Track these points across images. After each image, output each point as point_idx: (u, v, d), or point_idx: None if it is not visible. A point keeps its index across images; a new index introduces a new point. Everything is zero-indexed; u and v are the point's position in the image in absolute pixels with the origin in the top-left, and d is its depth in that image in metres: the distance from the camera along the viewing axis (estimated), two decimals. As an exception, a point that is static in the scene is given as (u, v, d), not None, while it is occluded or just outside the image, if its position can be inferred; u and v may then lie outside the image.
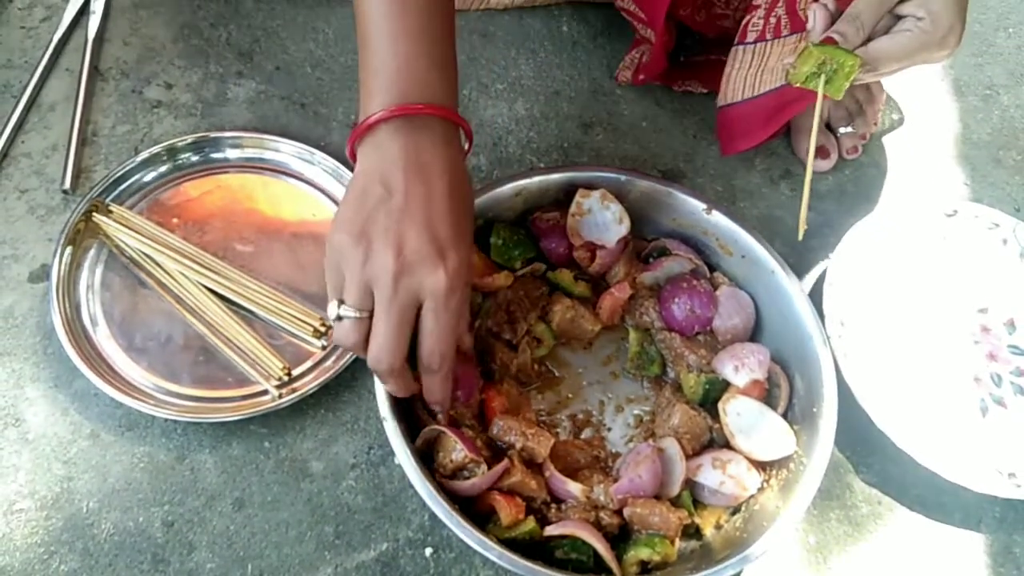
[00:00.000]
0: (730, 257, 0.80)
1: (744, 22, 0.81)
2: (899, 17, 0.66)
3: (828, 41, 0.64)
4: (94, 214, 0.78)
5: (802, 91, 0.82)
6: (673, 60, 0.95)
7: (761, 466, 0.71)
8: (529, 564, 0.62)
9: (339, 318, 0.59)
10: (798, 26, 0.80)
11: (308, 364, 0.75)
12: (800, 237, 0.69)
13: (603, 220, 0.78)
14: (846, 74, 0.63)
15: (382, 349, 0.59)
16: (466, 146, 0.65)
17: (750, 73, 0.84)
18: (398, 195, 0.59)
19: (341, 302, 0.59)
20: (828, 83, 0.65)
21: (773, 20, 0.80)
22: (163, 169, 0.83)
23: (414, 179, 0.59)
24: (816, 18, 0.66)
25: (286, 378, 0.74)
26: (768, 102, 0.84)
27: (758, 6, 0.80)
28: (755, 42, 0.82)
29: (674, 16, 0.90)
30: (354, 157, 0.62)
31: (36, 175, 0.83)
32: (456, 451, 0.66)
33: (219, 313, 0.76)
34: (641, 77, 0.95)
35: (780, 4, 0.79)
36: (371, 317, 0.59)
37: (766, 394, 0.74)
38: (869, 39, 0.65)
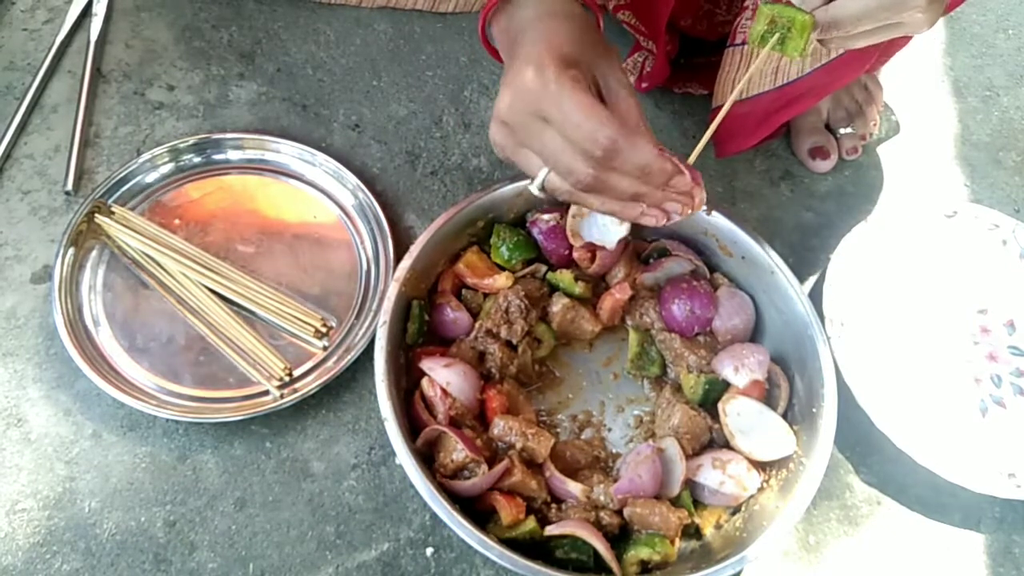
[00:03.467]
0: (730, 258, 0.80)
1: (735, 24, 0.81)
2: None
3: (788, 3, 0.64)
4: (96, 215, 0.79)
5: (793, 97, 0.81)
6: (674, 62, 0.96)
7: (761, 466, 0.71)
8: (530, 564, 0.62)
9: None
10: None
11: (309, 365, 0.76)
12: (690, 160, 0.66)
13: (603, 221, 0.78)
14: (799, 31, 0.62)
15: (570, 173, 0.60)
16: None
17: (740, 75, 0.84)
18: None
19: None
20: (783, 43, 0.64)
21: None
22: (165, 170, 0.84)
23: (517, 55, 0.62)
24: None
25: (287, 378, 0.74)
26: (758, 106, 0.84)
27: (747, 7, 0.79)
28: (743, 44, 0.82)
29: (676, 26, 0.90)
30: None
31: (39, 176, 0.83)
32: (457, 451, 0.66)
33: (220, 314, 0.76)
34: (644, 85, 0.96)
35: None
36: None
37: (766, 394, 0.74)
38: None
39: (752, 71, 0.66)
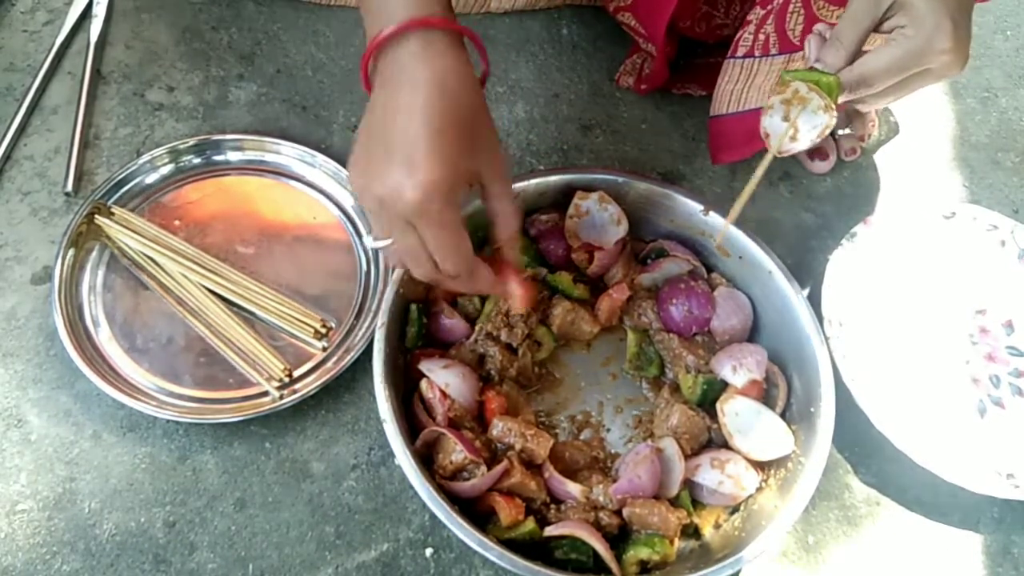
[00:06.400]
0: (728, 258, 0.80)
1: (736, 36, 0.82)
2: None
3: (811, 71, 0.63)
4: (96, 216, 0.79)
5: None
6: (673, 63, 0.96)
7: (759, 466, 0.71)
8: (529, 564, 0.62)
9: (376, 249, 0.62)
10: (787, 47, 0.79)
11: (309, 365, 0.76)
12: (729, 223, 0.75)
13: (601, 221, 0.78)
14: (829, 94, 0.62)
15: (415, 269, 0.63)
16: (483, 67, 0.64)
17: (738, 88, 0.84)
18: (376, 121, 0.58)
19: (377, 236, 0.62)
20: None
21: (762, 37, 0.80)
22: (165, 171, 0.84)
23: (389, 100, 0.58)
24: (811, 47, 0.65)
25: (287, 379, 0.74)
26: (755, 118, 0.84)
27: (749, 22, 0.80)
28: (744, 57, 0.82)
29: (675, 28, 0.90)
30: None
31: (39, 177, 0.84)
32: (456, 452, 0.66)
33: (220, 315, 0.76)
34: (643, 87, 0.96)
35: (769, 22, 0.79)
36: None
37: (764, 394, 0.74)
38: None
39: (767, 158, 0.66)
